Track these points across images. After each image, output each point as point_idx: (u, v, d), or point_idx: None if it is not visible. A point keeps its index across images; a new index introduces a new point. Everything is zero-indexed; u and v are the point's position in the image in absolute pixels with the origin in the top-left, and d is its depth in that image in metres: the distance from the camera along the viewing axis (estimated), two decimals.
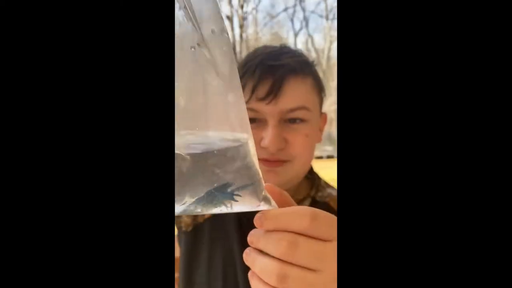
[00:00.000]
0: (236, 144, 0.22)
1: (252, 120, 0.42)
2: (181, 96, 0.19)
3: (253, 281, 0.22)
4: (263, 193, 0.21)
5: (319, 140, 0.48)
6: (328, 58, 15.94)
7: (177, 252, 1.30)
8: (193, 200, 0.21)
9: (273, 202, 0.22)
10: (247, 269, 0.23)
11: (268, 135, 0.40)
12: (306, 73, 0.43)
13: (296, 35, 17.15)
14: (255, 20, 16.40)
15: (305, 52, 0.49)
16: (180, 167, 0.20)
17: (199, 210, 0.21)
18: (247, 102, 0.41)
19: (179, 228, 0.50)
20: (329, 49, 15.80)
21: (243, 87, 0.41)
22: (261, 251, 0.21)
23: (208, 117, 0.21)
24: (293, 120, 0.42)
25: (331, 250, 0.21)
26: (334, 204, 0.48)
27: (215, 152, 0.21)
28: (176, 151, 0.20)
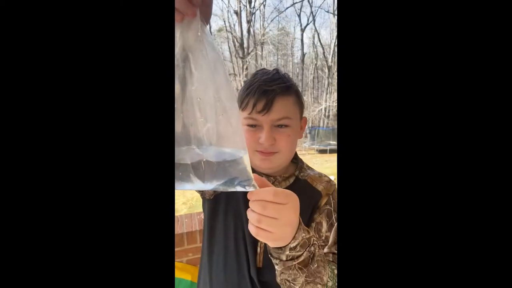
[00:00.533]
0: (240, 156, 0.43)
1: (253, 126, 0.62)
2: (213, 134, 0.40)
3: (249, 224, 0.43)
4: (252, 183, 0.42)
5: (300, 137, 0.68)
6: (334, 53, 15.95)
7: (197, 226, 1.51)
8: (218, 183, 0.42)
9: (257, 187, 0.42)
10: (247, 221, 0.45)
11: (264, 135, 0.59)
12: (289, 94, 0.63)
13: (303, 30, 17.17)
14: (263, 15, 16.46)
15: (290, 77, 0.66)
16: (212, 167, 0.41)
17: (220, 188, 0.42)
18: (250, 114, 0.61)
19: (203, 197, 0.71)
20: (335, 44, 15.84)
21: (247, 104, 0.61)
22: (252, 209, 0.42)
23: (226, 140, 0.42)
24: (280, 126, 0.61)
25: (285, 208, 0.41)
26: (310, 181, 0.67)
27: (230, 159, 0.42)
28: (209, 159, 0.41)
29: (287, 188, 0.64)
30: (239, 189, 0.42)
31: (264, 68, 0.68)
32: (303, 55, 18.34)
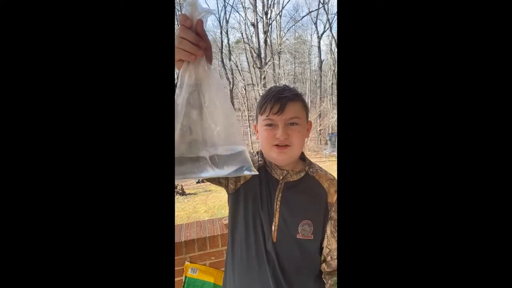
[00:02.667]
0: (242, 149, 0.59)
1: (270, 125, 0.76)
2: (221, 134, 0.57)
3: None
4: (252, 168, 0.58)
5: (307, 136, 0.84)
6: None
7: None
8: (230, 170, 0.58)
9: (256, 171, 0.59)
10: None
11: (279, 132, 0.75)
12: (297, 100, 0.79)
13: (319, 37, 17.25)
14: (279, 25, 16.74)
15: (297, 88, 0.83)
16: (223, 159, 0.57)
17: (232, 174, 0.58)
18: (268, 115, 0.76)
19: (228, 193, 0.87)
20: None
21: (265, 108, 0.77)
22: None
23: (231, 138, 0.59)
24: (291, 124, 0.76)
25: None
26: (318, 177, 0.83)
27: (236, 152, 0.59)
28: (223, 153, 0.58)
29: (298, 180, 0.83)
30: (246, 173, 0.59)
31: (275, 85, 0.87)
32: (321, 62, 18.40)
